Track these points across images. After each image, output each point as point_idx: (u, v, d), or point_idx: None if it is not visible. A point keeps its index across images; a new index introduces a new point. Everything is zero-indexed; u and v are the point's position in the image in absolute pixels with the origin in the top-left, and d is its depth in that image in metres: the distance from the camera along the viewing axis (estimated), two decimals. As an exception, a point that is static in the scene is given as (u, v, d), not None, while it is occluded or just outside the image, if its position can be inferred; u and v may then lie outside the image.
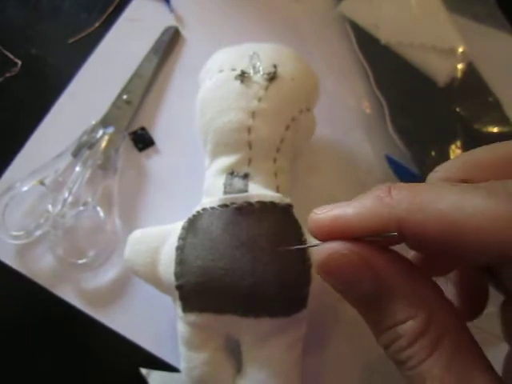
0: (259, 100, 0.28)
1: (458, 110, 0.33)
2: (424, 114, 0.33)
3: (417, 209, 0.13)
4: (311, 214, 0.16)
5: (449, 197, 0.13)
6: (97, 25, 0.38)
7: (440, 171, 0.17)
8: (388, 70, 0.34)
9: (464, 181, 0.15)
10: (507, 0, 0.35)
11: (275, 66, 0.28)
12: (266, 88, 0.28)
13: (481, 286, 0.18)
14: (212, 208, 0.26)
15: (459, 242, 0.13)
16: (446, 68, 0.34)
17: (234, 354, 0.27)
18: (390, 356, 0.15)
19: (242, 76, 0.28)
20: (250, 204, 0.26)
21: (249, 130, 0.27)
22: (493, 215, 0.12)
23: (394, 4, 0.36)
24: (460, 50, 0.34)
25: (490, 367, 0.14)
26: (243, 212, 0.25)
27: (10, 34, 0.38)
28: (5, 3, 0.39)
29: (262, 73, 0.28)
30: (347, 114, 0.34)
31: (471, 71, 0.34)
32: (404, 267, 0.15)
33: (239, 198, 0.26)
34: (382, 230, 0.14)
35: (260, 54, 0.29)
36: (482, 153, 0.16)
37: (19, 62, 0.37)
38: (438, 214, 0.13)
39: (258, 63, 0.28)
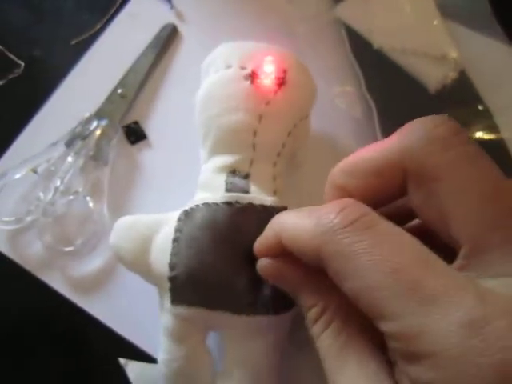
0: (267, 104, 0.28)
1: (447, 116, 0.33)
2: (414, 119, 0.33)
3: (283, 228, 0.21)
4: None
5: (293, 218, 0.21)
6: (99, 26, 0.38)
7: (330, 176, 0.22)
8: (380, 75, 0.35)
9: (343, 187, 0.21)
10: (503, 9, 0.35)
11: (285, 72, 0.28)
12: (275, 92, 0.28)
13: None
14: (215, 204, 0.26)
15: (296, 251, 0.20)
16: (438, 75, 0.34)
17: (214, 348, 0.27)
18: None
19: (253, 77, 0.28)
20: (252, 205, 0.26)
21: (255, 132, 0.27)
22: (305, 229, 0.19)
23: (388, 9, 0.36)
24: (452, 57, 0.35)
25: (373, 345, 0.18)
26: (246, 212, 0.26)
27: (12, 36, 0.39)
28: (7, 5, 0.40)
29: (272, 76, 0.28)
30: (337, 117, 0.35)
31: (463, 79, 0.34)
32: (308, 272, 0.21)
33: (244, 198, 0.26)
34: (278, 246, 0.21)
35: (274, 57, 0.29)
36: (353, 162, 0.21)
37: (22, 64, 0.37)
38: (288, 232, 0.21)
39: (272, 67, 0.28)
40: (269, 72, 0.28)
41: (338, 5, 0.37)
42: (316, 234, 0.18)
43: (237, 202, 0.26)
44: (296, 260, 0.20)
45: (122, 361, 0.29)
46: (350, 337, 0.18)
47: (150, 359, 0.30)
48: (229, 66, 0.29)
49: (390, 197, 0.21)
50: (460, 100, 0.34)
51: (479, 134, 0.33)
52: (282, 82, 0.28)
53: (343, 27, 0.36)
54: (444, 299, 0.15)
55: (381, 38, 0.35)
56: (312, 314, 0.20)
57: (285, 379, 0.28)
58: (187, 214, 0.26)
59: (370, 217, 0.17)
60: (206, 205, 0.26)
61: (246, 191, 0.27)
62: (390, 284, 0.15)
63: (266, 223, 0.24)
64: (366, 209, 0.18)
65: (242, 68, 0.28)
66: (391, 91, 0.34)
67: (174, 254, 0.25)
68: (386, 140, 0.20)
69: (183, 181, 0.30)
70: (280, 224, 0.22)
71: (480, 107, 0.34)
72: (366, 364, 0.17)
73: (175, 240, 0.26)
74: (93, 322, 0.31)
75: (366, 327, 0.18)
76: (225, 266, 0.25)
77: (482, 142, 0.33)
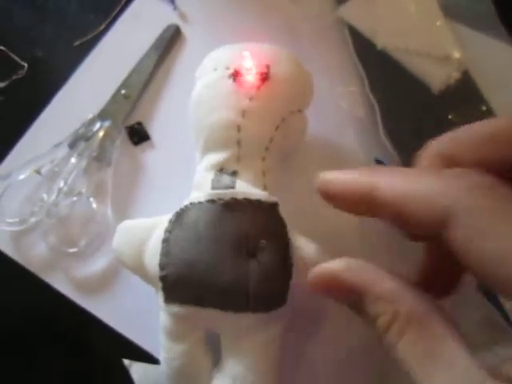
0: (250, 99, 0.28)
1: (450, 117, 0.33)
2: (416, 119, 0.34)
3: (384, 183, 0.18)
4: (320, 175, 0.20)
5: (410, 175, 0.18)
6: (102, 27, 0.39)
7: (432, 146, 0.20)
8: (383, 75, 0.35)
9: (450, 157, 0.19)
10: (506, 9, 0.35)
11: (268, 67, 0.29)
12: (258, 88, 0.28)
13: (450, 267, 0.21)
14: (199, 203, 0.27)
15: (410, 208, 0.17)
16: (441, 75, 0.34)
17: (213, 347, 0.27)
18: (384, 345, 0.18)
19: (235, 75, 0.29)
20: (236, 201, 0.26)
21: (238, 128, 0.28)
22: (432, 187, 0.17)
23: (392, 10, 0.36)
24: (456, 57, 0.35)
25: (456, 339, 0.16)
26: (229, 208, 0.26)
27: (16, 37, 0.39)
28: (11, 6, 0.40)
29: (254, 72, 0.29)
30: (340, 117, 0.35)
31: (466, 79, 0.34)
32: (371, 274, 0.19)
33: (226, 194, 0.26)
34: (362, 195, 0.18)
35: (254, 53, 0.29)
36: (464, 131, 0.19)
37: (25, 65, 0.37)
38: (399, 187, 0.17)
39: (251, 63, 0.29)
40: (249, 68, 0.29)
41: (342, 5, 0.37)
42: (450, 189, 0.16)
43: (219, 199, 0.26)
44: (355, 263, 0.19)
45: (126, 362, 0.30)
46: (431, 341, 0.16)
47: (154, 360, 0.30)
48: (215, 69, 0.29)
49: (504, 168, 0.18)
50: (463, 100, 0.34)
51: (483, 135, 0.33)
52: (265, 77, 0.28)
53: (346, 27, 0.36)
54: None
55: (384, 39, 0.35)
56: (383, 322, 0.18)
57: (284, 379, 0.28)
58: (177, 215, 0.27)
59: (506, 187, 0.16)
60: (192, 204, 0.27)
61: (232, 187, 0.27)
62: None
63: (253, 217, 0.25)
64: (497, 180, 0.16)
65: (227, 68, 0.29)
66: (394, 91, 0.34)
67: (163, 254, 0.26)
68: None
69: (186, 181, 0.30)
70: (385, 178, 0.18)
71: (483, 107, 0.34)
72: (458, 366, 0.16)
73: (164, 240, 0.26)
74: (96, 323, 0.31)
75: (444, 327, 0.17)
76: (210, 264, 0.25)
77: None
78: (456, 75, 0.34)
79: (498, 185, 0.16)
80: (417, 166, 0.20)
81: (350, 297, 0.19)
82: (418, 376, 0.16)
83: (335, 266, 0.19)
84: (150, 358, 0.30)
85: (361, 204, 0.19)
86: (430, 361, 0.16)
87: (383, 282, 0.18)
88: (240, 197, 0.26)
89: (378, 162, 0.33)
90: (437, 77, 0.34)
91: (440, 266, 0.21)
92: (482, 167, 0.18)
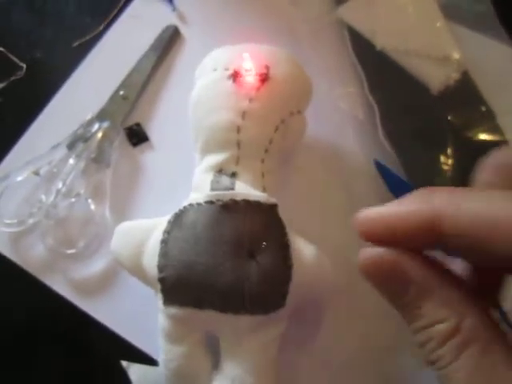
0: (250, 100, 0.28)
1: (450, 118, 0.33)
2: (416, 120, 0.33)
3: (454, 208, 0.15)
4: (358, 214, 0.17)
5: (481, 199, 0.15)
6: (101, 28, 0.38)
7: (495, 157, 0.17)
8: (382, 76, 0.35)
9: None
10: (506, 10, 0.35)
11: (267, 68, 0.29)
12: (258, 89, 0.28)
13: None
14: (198, 204, 0.26)
15: (487, 239, 0.14)
16: (441, 76, 0.34)
17: (212, 349, 0.27)
18: (423, 355, 0.16)
19: (235, 76, 0.28)
20: (235, 202, 0.26)
21: (238, 129, 0.28)
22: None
23: (391, 11, 0.36)
24: (455, 58, 0.34)
25: None
26: (228, 209, 0.26)
27: (14, 38, 0.39)
28: (9, 8, 0.40)
29: (253, 73, 0.29)
30: (339, 118, 0.34)
31: (466, 80, 0.34)
32: (438, 272, 0.16)
33: (225, 195, 0.26)
34: (422, 227, 0.15)
35: (253, 54, 0.29)
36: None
37: (24, 66, 0.37)
38: (471, 213, 0.14)
39: (251, 64, 0.29)
40: (248, 69, 0.29)
41: (341, 6, 0.37)
42: None
43: (218, 200, 0.26)
44: (422, 257, 0.16)
45: (124, 363, 0.30)
46: (494, 366, 0.14)
47: (152, 362, 0.30)
48: (214, 70, 0.29)
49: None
50: (463, 101, 0.34)
51: (482, 136, 0.33)
52: (264, 78, 0.28)
53: (345, 28, 0.36)
54: None
55: (383, 39, 0.35)
56: (441, 330, 0.15)
57: (284, 379, 0.28)
58: (176, 216, 0.27)
59: None
60: (191, 205, 0.27)
61: (231, 189, 0.27)
62: None
63: (252, 218, 0.24)
64: None
65: (226, 69, 0.29)
66: (393, 92, 0.34)
67: (161, 256, 0.26)
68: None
69: (185, 183, 0.30)
70: (451, 205, 0.15)
71: (483, 108, 0.34)
72: None
73: (163, 241, 0.26)
74: (96, 324, 0.31)
75: (507, 352, 0.14)
76: (209, 265, 0.25)
77: (485, 144, 0.33)
78: (455, 76, 0.34)
79: None
80: (477, 181, 0.17)
81: (405, 290, 0.16)
82: None
83: (401, 255, 0.16)
84: (147, 359, 0.30)
85: (419, 239, 0.16)
86: None
87: (451, 285, 0.16)
88: (239, 198, 0.26)
89: (377, 163, 0.32)
90: (436, 78, 0.34)
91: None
92: None
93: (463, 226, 0.15)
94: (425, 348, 0.16)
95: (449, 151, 0.32)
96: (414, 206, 0.16)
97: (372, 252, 0.17)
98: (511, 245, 0.14)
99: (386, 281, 0.17)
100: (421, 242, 0.16)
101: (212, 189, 0.27)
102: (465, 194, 0.15)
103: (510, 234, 0.14)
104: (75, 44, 0.38)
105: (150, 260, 0.26)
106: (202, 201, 0.26)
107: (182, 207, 0.27)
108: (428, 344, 0.16)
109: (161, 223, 0.27)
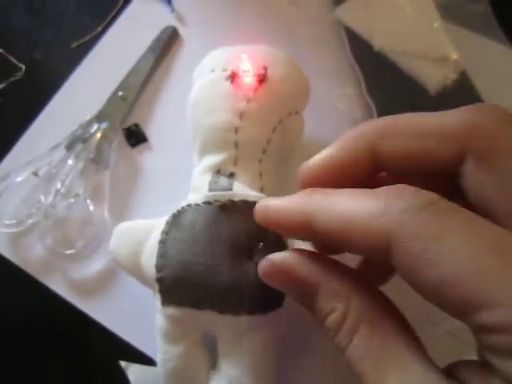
0: (248, 101, 0.28)
1: (447, 118, 0.33)
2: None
3: (323, 209, 0.17)
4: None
5: (345, 200, 0.16)
6: (100, 29, 0.39)
7: (356, 133, 0.19)
8: (380, 77, 0.35)
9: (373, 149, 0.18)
10: (503, 10, 0.35)
11: (265, 68, 0.29)
12: (256, 90, 0.28)
13: None
14: (196, 204, 0.27)
15: (349, 236, 0.16)
16: (438, 76, 0.34)
17: (210, 350, 0.27)
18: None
19: (232, 76, 0.29)
20: (233, 202, 0.26)
21: (236, 130, 0.28)
22: (369, 211, 0.15)
23: (389, 11, 0.36)
24: (453, 58, 0.35)
25: (412, 342, 0.15)
26: (226, 210, 0.26)
27: (13, 39, 0.39)
28: (8, 8, 0.40)
29: (251, 74, 0.29)
30: (337, 119, 0.35)
31: (464, 80, 0.34)
32: (324, 266, 0.18)
33: (223, 196, 0.26)
34: (301, 221, 0.17)
35: (251, 55, 0.29)
36: (389, 119, 0.19)
37: (23, 67, 0.37)
38: (335, 215, 0.16)
39: (248, 64, 0.29)
40: (246, 70, 0.29)
41: (339, 7, 0.37)
42: (388, 215, 0.15)
43: (216, 201, 0.26)
44: (308, 255, 0.18)
45: (122, 363, 0.30)
46: (384, 342, 0.15)
47: (151, 362, 0.30)
48: (213, 70, 0.29)
49: (428, 169, 0.18)
50: (461, 101, 0.33)
51: (480, 136, 0.33)
52: (262, 79, 0.28)
53: (343, 29, 0.36)
54: None
55: (381, 40, 0.35)
56: (333, 320, 0.17)
57: (284, 379, 0.28)
58: (174, 217, 0.27)
59: (446, 201, 0.15)
60: (189, 206, 0.27)
61: (229, 189, 0.27)
62: (496, 266, 0.13)
63: (249, 219, 0.24)
64: (435, 194, 0.15)
65: (224, 70, 0.29)
66: (391, 93, 0.34)
67: (160, 256, 0.26)
68: (442, 112, 0.18)
69: (184, 183, 0.30)
70: (321, 206, 0.17)
71: (481, 109, 0.34)
72: (413, 370, 0.15)
73: (161, 242, 0.26)
74: (95, 324, 0.31)
75: (399, 328, 0.16)
76: (207, 266, 0.25)
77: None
78: (453, 76, 0.34)
79: (436, 199, 0.15)
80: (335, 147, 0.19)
81: (301, 290, 0.18)
82: (371, 380, 0.15)
83: (288, 257, 0.18)
84: (146, 360, 0.30)
85: (299, 232, 0.18)
86: (383, 364, 0.15)
87: (335, 276, 0.17)
88: (237, 199, 0.26)
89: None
90: (434, 78, 0.34)
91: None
92: (401, 166, 0.17)
93: (326, 228, 0.16)
94: (329, 338, 0.17)
95: (446, 151, 0.32)
96: (294, 205, 0.18)
97: (265, 261, 0.19)
98: (366, 239, 0.15)
99: (285, 284, 0.19)
100: (303, 234, 0.18)
101: (210, 189, 0.27)
102: (335, 194, 0.17)
103: (364, 229, 0.15)
104: (74, 45, 0.38)
105: (149, 260, 0.27)
106: (200, 201, 0.26)
107: (180, 208, 0.27)
108: (329, 335, 0.17)
109: (159, 224, 0.27)
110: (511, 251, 0.13)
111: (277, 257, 0.19)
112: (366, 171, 0.19)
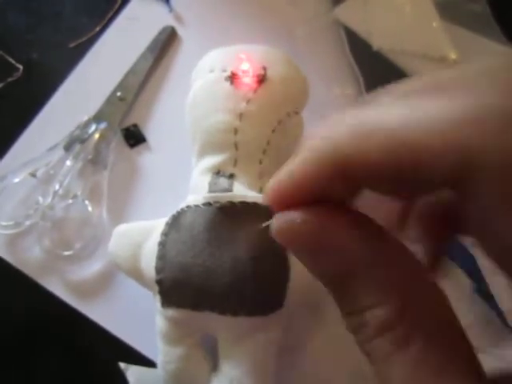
0: (248, 102, 0.28)
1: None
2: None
3: (360, 136, 0.11)
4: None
5: (395, 112, 0.11)
6: (97, 29, 0.38)
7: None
8: (379, 76, 0.35)
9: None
10: (501, 10, 0.35)
11: (265, 69, 0.29)
12: (255, 90, 0.28)
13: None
14: (196, 206, 0.26)
15: (413, 162, 0.10)
16: (437, 76, 0.34)
17: (211, 351, 0.27)
18: (357, 343, 0.12)
19: (232, 77, 0.28)
20: (232, 204, 0.26)
21: (236, 131, 0.28)
22: (449, 116, 0.10)
23: (388, 11, 0.36)
24: (452, 58, 0.35)
25: (474, 369, 0.11)
26: (226, 211, 0.26)
27: (11, 40, 0.39)
28: (6, 9, 0.39)
29: (251, 75, 0.28)
30: (336, 118, 0.34)
31: (462, 80, 0.34)
32: (374, 235, 0.12)
33: (223, 197, 0.26)
34: (331, 177, 0.12)
35: (250, 55, 0.29)
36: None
37: (21, 67, 0.37)
38: (383, 138, 0.11)
39: (248, 65, 0.29)
40: (246, 70, 0.28)
41: (337, 6, 0.37)
42: (470, 121, 0.10)
43: (216, 202, 0.26)
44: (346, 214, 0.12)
45: (122, 365, 0.29)
46: (440, 367, 0.11)
47: (150, 363, 0.30)
48: (211, 71, 0.29)
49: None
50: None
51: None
52: (262, 79, 0.28)
53: (342, 29, 0.36)
54: None
55: (380, 40, 0.35)
56: (376, 317, 0.12)
57: (283, 379, 0.28)
58: (174, 218, 0.27)
59: None
60: (189, 207, 0.26)
61: (229, 190, 0.27)
62: None
63: (249, 220, 0.24)
64: None
65: (223, 71, 0.29)
66: (391, 93, 0.34)
67: (159, 258, 0.26)
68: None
69: (183, 184, 0.30)
70: (360, 131, 0.11)
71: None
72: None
73: (161, 243, 0.26)
74: (95, 325, 0.31)
75: (458, 345, 0.11)
76: (207, 267, 0.25)
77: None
78: (452, 76, 0.34)
79: None
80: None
81: (328, 262, 0.13)
82: None
83: (319, 216, 0.12)
84: (145, 361, 0.30)
85: (337, 188, 0.12)
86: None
87: (392, 259, 0.12)
88: (237, 200, 0.26)
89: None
90: (433, 78, 0.34)
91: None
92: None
93: (375, 157, 0.11)
94: (358, 336, 0.12)
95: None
96: (312, 156, 0.12)
97: (288, 215, 0.13)
98: (440, 155, 0.10)
99: (307, 249, 0.13)
100: (336, 190, 0.12)
101: (210, 190, 0.27)
102: (371, 112, 0.11)
103: (435, 144, 0.10)
104: (72, 45, 0.38)
105: (148, 262, 0.26)
106: (199, 203, 0.26)
107: (179, 209, 0.27)
108: (361, 331, 0.12)
109: (159, 225, 0.27)
110: None
111: (307, 214, 0.13)
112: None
